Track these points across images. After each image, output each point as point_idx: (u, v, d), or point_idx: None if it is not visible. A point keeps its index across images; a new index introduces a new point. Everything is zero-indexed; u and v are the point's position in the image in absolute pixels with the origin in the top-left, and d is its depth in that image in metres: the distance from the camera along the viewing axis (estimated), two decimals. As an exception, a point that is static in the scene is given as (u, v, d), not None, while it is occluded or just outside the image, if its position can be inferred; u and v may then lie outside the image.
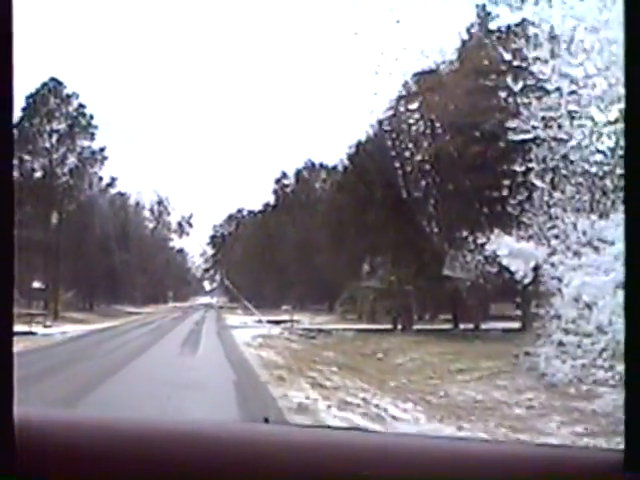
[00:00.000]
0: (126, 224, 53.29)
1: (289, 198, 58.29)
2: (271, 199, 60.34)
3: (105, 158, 48.06)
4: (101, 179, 48.83)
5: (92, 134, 47.68)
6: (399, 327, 33.50)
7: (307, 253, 49.68)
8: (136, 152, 54.04)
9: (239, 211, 68.47)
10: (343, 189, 40.15)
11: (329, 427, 2.21)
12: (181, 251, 73.07)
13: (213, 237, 70.67)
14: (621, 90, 1.08)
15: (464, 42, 29.29)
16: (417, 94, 23.73)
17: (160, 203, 65.29)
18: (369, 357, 24.77)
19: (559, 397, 13.48)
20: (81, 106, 47.38)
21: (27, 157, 46.16)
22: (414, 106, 20.13)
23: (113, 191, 52.14)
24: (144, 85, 75.37)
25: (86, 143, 47.77)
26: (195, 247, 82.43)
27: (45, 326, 34.29)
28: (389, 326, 33.91)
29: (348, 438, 1.56)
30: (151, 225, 66.04)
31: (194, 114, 78.04)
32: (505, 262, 12.91)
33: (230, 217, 69.66)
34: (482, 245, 17.35)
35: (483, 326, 30.89)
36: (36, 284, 45.63)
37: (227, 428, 1.59)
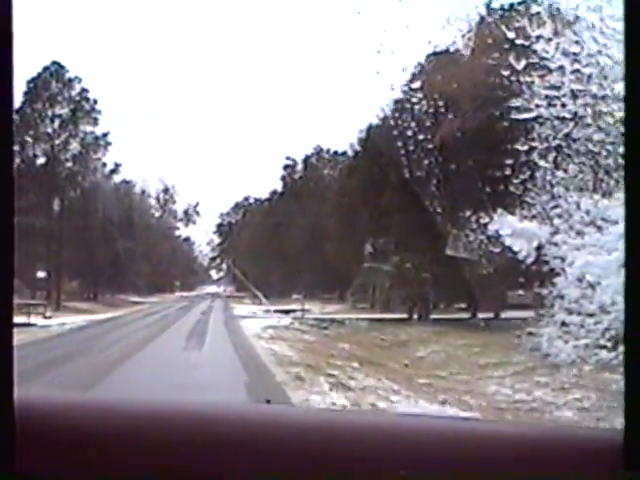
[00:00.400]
0: (131, 212, 51.48)
1: (297, 185, 56.98)
2: (279, 187, 59.37)
3: (109, 144, 46.34)
4: (104, 165, 46.91)
5: (95, 119, 45.95)
6: (414, 316, 31.70)
7: (316, 241, 48.44)
8: (141, 139, 52.26)
9: (246, 199, 67.10)
10: (354, 174, 38.92)
11: (333, 409, 2.07)
12: (187, 240, 71.32)
13: (220, 225, 69.08)
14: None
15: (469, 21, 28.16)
16: (421, 73, 22.98)
17: (166, 191, 63.62)
18: (388, 349, 23.12)
19: (611, 396, 11.63)
20: (84, 90, 45.58)
21: (29, 142, 44.43)
22: (417, 85, 19.38)
23: (117, 178, 50.46)
24: (150, 71, 73.69)
25: (89, 128, 45.95)
26: (202, 236, 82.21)
27: (45, 317, 32.61)
28: (404, 315, 32.14)
29: (353, 418, 1.55)
30: (157, 214, 64.22)
31: (199, 100, 76.22)
32: (508, 242, 10.69)
33: (237, 205, 68.16)
34: (485, 225, 15.06)
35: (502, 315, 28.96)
36: (40, 273, 44.36)
37: (233, 409, 1.57)
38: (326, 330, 29.59)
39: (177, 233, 68.24)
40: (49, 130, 44.99)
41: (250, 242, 59.67)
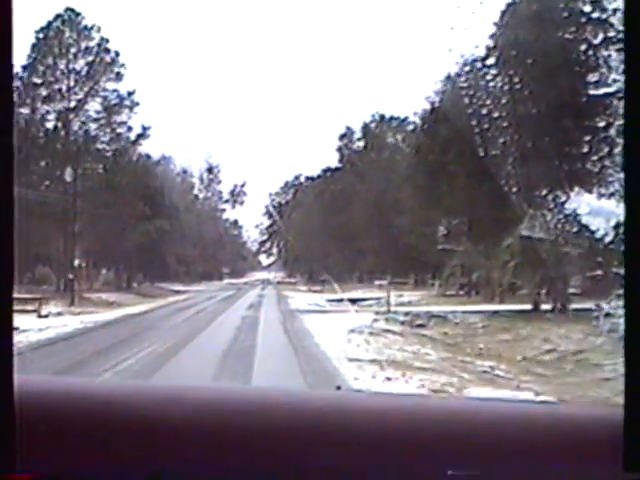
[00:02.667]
0: (169, 190, 42.45)
1: (356, 156, 48.43)
2: (334, 160, 50.94)
3: (135, 104, 36.41)
4: (130, 129, 36.86)
5: (118, 74, 36.05)
6: (543, 307, 21.18)
7: (382, 217, 39.83)
8: (185, 118, 42.86)
9: (296, 178, 58.93)
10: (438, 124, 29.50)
11: (398, 394, 1.59)
12: (235, 223, 63.58)
13: (269, 207, 60.91)
14: None
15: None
16: (494, 49, 21.28)
17: (210, 170, 55.84)
18: (560, 371, 12.90)
19: None
20: (103, 40, 35.67)
21: (41, 107, 34.86)
22: (491, 61, 19.50)
23: (156, 153, 41.13)
24: (190, 37, 64.26)
25: (111, 85, 36.13)
26: (250, 219, 74.82)
27: (40, 316, 22.90)
28: (524, 306, 21.72)
29: (416, 404, 1.43)
30: (201, 195, 56.62)
31: (243, 70, 66.48)
32: (585, 220, 12.68)
33: (287, 184, 59.75)
34: (562, 204, 16.05)
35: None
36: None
37: (295, 395, 1.46)
38: (423, 329, 19.43)
39: (224, 217, 60.49)
40: (63, 87, 35.21)
41: (303, 222, 51.05)
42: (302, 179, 57.49)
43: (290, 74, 64.85)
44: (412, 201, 33.68)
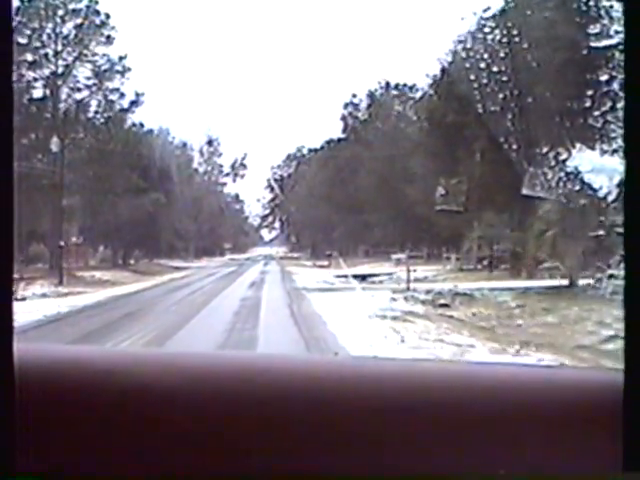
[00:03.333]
0: (169, 163, 40.08)
1: (360, 126, 45.89)
2: (337, 132, 48.45)
3: (127, 69, 33.61)
4: (123, 96, 34.03)
5: (108, 37, 33.23)
6: (580, 283, 18.49)
7: (390, 187, 37.11)
8: (185, 90, 40.21)
9: (299, 150, 56.35)
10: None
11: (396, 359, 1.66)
12: (237, 197, 61.14)
13: (271, 180, 58.45)
14: None
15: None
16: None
17: (210, 143, 53.33)
18: None
19: None
20: (93, 1, 32.82)
21: (26, 72, 32.03)
22: (489, 14, 19.16)
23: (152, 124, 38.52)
24: (194, 9, 61.51)
25: (101, 50, 33.30)
26: (252, 193, 72.61)
27: (16, 299, 20.05)
28: (558, 282, 19.13)
29: (414, 368, 1.39)
30: (201, 169, 54.39)
31: (243, 40, 63.57)
32: (587, 178, 12.26)
33: (289, 157, 57.55)
34: (564, 161, 15.21)
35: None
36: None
37: (292, 361, 1.46)
38: (448, 309, 16.85)
39: (225, 191, 58.16)
40: (50, 51, 32.41)
41: (307, 195, 49.67)
42: (305, 151, 55.18)
43: (292, 42, 62.05)
44: (423, 169, 31.50)
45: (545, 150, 17.19)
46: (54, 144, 29.62)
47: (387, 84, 45.33)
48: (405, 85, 43.93)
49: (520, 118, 18.64)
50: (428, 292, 19.17)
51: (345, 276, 25.55)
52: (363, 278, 27.38)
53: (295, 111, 77.22)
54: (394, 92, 45.45)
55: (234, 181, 56.37)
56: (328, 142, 49.12)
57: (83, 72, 33.11)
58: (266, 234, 61.48)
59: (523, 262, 21.44)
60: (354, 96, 46.86)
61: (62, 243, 30.18)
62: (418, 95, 39.31)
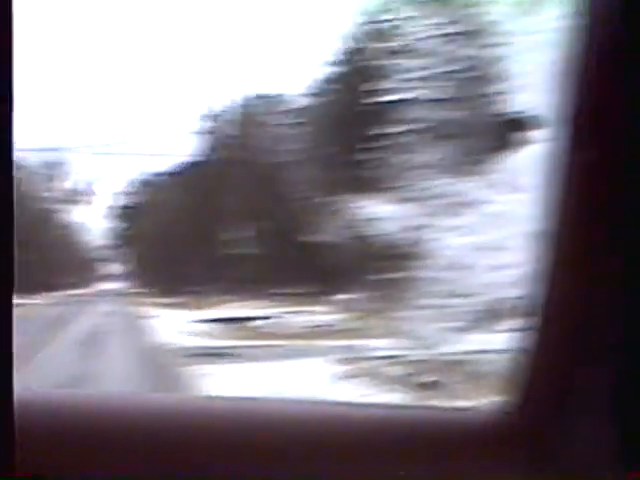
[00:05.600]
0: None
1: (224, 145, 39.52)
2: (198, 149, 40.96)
3: None
4: None
5: None
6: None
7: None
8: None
9: (157, 175, 48.07)
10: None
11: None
12: (82, 225, 53.14)
13: (122, 208, 50.81)
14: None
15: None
16: None
17: (51, 166, 45.91)
18: None
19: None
20: None
21: None
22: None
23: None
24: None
25: None
26: (100, 221, 65.26)
27: None
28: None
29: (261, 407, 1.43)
30: (45, 194, 47.22)
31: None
32: (377, 225, 12.14)
33: (135, 183, 50.20)
34: (355, 208, 15.63)
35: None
36: None
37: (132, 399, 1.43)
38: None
39: (70, 218, 50.12)
40: None
41: (162, 224, 42.93)
42: (155, 176, 46.78)
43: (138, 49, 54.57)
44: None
45: (326, 199, 17.61)
46: None
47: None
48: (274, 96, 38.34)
49: (309, 169, 19.14)
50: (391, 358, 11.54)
51: (222, 320, 18.21)
52: (231, 321, 20.20)
53: (146, 130, 69.34)
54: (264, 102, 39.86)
55: (79, 209, 49.32)
56: (187, 164, 41.56)
57: None
58: (115, 267, 53.55)
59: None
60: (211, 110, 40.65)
61: None
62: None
